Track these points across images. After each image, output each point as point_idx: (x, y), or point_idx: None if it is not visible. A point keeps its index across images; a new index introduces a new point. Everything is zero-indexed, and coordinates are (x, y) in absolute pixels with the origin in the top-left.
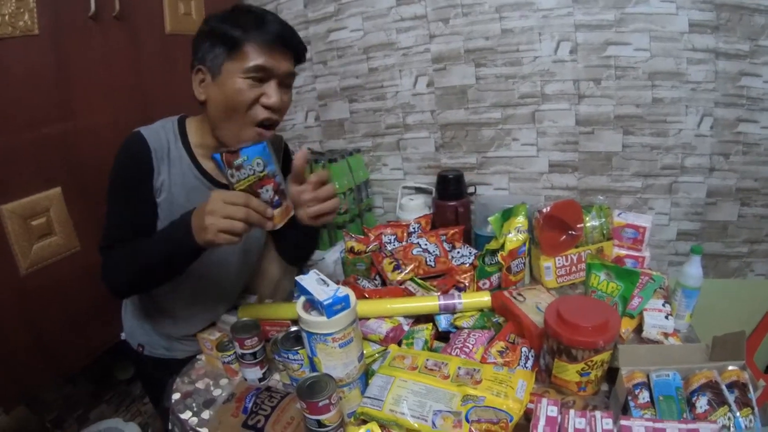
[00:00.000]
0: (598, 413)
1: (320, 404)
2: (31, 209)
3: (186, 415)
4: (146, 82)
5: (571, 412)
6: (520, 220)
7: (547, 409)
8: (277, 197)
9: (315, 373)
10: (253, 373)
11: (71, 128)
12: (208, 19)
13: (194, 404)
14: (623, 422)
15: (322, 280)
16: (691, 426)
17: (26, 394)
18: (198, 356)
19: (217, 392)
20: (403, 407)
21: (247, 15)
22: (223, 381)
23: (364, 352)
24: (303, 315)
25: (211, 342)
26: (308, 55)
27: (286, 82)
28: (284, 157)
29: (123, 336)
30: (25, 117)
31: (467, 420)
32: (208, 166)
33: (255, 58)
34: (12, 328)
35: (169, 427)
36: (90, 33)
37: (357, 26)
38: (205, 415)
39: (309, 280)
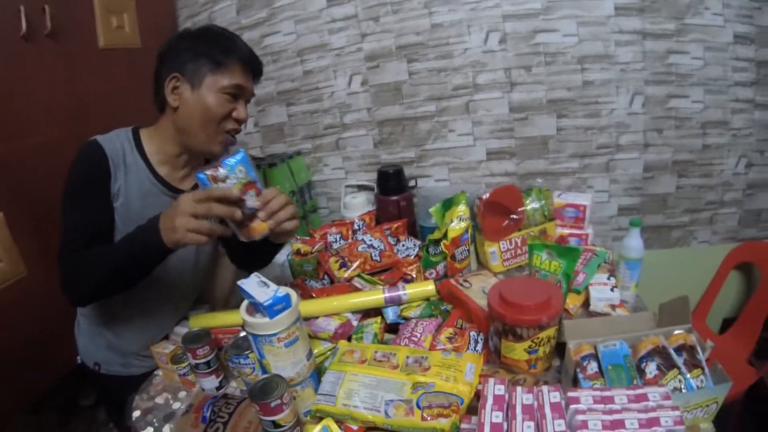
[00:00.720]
0: (545, 388)
1: (272, 405)
2: None
3: (147, 431)
4: (84, 98)
5: (519, 389)
6: (462, 209)
7: (494, 389)
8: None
9: (265, 375)
10: (210, 383)
11: (9, 150)
12: (186, 34)
13: (155, 420)
14: (571, 394)
15: (263, 282)
16: (639, 391)
17: None
18: (155, 372)
19: (176, 405)
20: (356, 400)
21: (227, 37)
22: (182, 393)
23: (315, 351)
24: (246, 318)
25: (165, 355)
26: None
27: (248, 100)
28: None
29: (79, 358)
30: None
31: (419, 407)
32: (164, 172)
33: (235, 77)
34: None
35: None
36: (23, 53)
37: (290, 30)
38: (166, 429)
39: (250, 284)
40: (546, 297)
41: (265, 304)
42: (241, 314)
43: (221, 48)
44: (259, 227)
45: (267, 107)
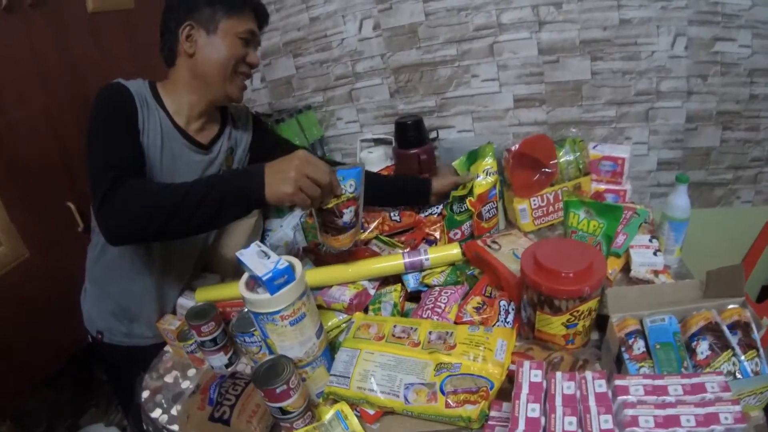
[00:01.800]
0: (588, 374)
1: (278, 390)
2: None
3: (156, 414)
4: (76, 65)
5: (558, 375)
6: (488, 162)
7: (531, 374)
8: (354, 219)
9: (271, 357)
10: (218, 360)
11: (3, 124)
12: None
13: (163, 400)
14: (618, 382)
15: (263, 252)
16: (695, 380)
17: (8, 409)
18: (166, 347)
19: (185, 384)
20: (372, 383)
21: None
22: (191, 371)
23: (330, 323)
24: (246, 294)
25: (172, 332)
26: None
27: (257, 47)
28: (255, 126)
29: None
30: None
31: (442, 392)
32: (180, 123)
33: (249, 23)
34: None
35: (144, 428)
36: (7, 25)
37: None
38: (175, 410)
39: (249, 254)
40: (587, 263)
41: (265, 278)
42: (239, 290)
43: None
44: (344, 241)
45: (273, 60)
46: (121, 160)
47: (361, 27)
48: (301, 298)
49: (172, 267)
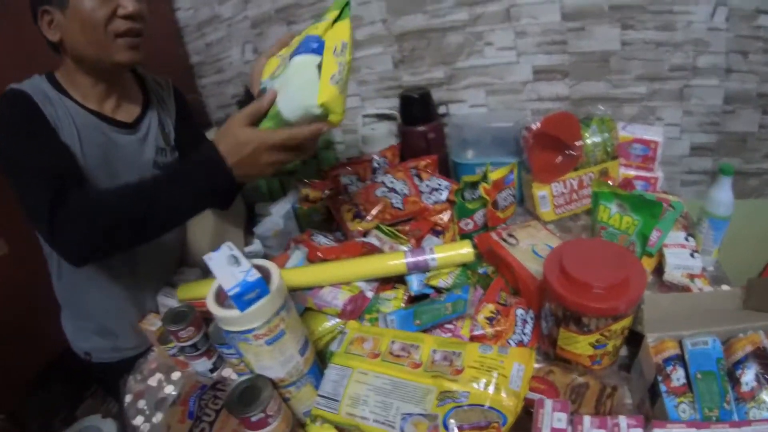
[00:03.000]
0: (622, 421)
1: (253, 419)
2: None
3: (138, 421)
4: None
5: (586, 421)
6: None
7: (553, 418)
8: None
9: (247, 376)
10: (202, 365)
11: None
12: None
13: (146, 406)
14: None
15: (234, 257)
16: (745, 429)
17: (1, 408)
18: (152, 347)
19: (168, 389)
20: (364, 410)
21: None
22: (176, 375)
23: (320, 328)
24: (213, 309)
25: (153, 333)
26: None
27: None
28: (176, 101)
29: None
30: None
31: (445, 427)
32: (93, 107)
33: None
34: None
35: None
36: None
37: None
38: (157, 418)
39: (218, 259)
40: (623, 275)
41: (231, 293)
42: (207, 302)
43: None
44: None
45: (265, 29)
46: (51, 174)
47: None
48: (279, 313)
49: (142, 271)
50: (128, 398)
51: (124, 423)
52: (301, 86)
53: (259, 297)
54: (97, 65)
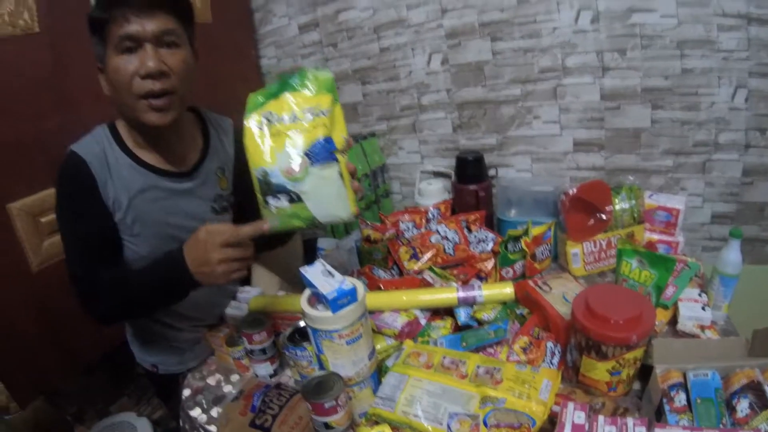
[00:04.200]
0: (629, 420)
1: (327, 406)
2: (40, 206)
3: (195, 413)
4: None
5: (600, 418)
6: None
7: (574, 415)
8: None
9: (322, 372)
10: (264, 369)
11: (74, 122)
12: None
13: (204, 401)
14: (658, 430)
15: (328, 271)
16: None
17: (43, 388)
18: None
19: (227, 388)
20: (417, 409)
21: None
22: (234, 377)
23: (378, 347)
24: (307, 310)
25: (220, 338)
26: (318, 38)
27: (167, 41)
28: (237, 143)
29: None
30: (28, 113)
31: (485, 424)
32: (151, 159)
33: (118, 30)
34: (26, 323)
35: (180, 424)
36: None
37: (366, 5)
38: (214, 412)
39: (314, 272)
40: (637, 312)
41: (329, 296)
42: (301, 305)
43: (98, 10)
44: None
45: (342, 86)
46: (82, 248)
47: (429, 60)
48: (360, 319)
49: (203, 300)
50: (186, 392)
51: (178, 416)
52: (332, 198)
53: (349, 303)
54: (135, 124)
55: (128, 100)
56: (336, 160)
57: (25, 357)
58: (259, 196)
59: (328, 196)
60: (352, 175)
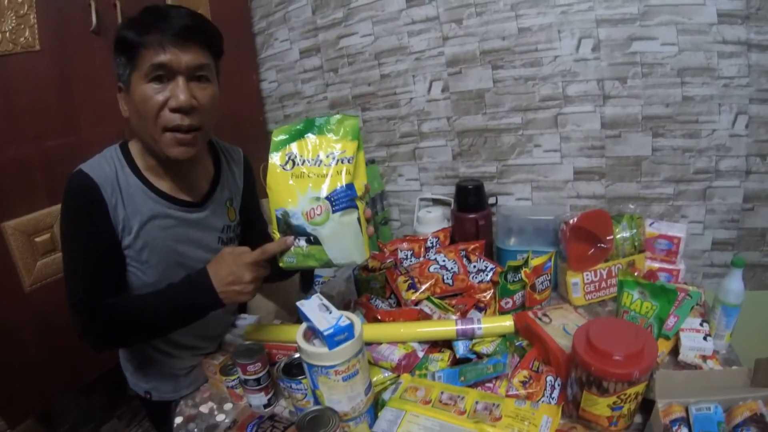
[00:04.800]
0: None
1: None
2: (35, 226)
3: None
4: None
5: None
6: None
7: None
8: None
9: (317, 407)
10: (258, 399)
11: (75, 142)
12: (118, 27)
13: (196, 429)
14: None
15: (324, 306)
16: None
17: (36, 407)
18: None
19: (220, 417)
20: None
21: (148, 14)
22: (228, 405)
23: (374, 379)
24: (303, 345)
25: (214, 366)
26: (319, 63)
27: (198, 76)
28: (245, 174)
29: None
30: (29, 131)
31: None
32: (164, 186)
33: (152, 57)
34: (19, 343)
35: None
36: (92, 46)
37: (367, 31)
38: None
39: (310, 306)
40: (639, 347)
41: (325, 333)
42: (297, 339)
43: (133, 31)
44: None
45: (341, 111)
46: (84, 271)
47: (430, 88)
48: (357, 355)
49: (202, 328)
50: (178, 419)
51: None
52: (350, 244)
53: (346, 339)
54: (153, 151)
55: (153, 130)
56: (356, 207)
57: (18, 377)
58: (277, 234)
59: (346, 242)
60: (368, 221)
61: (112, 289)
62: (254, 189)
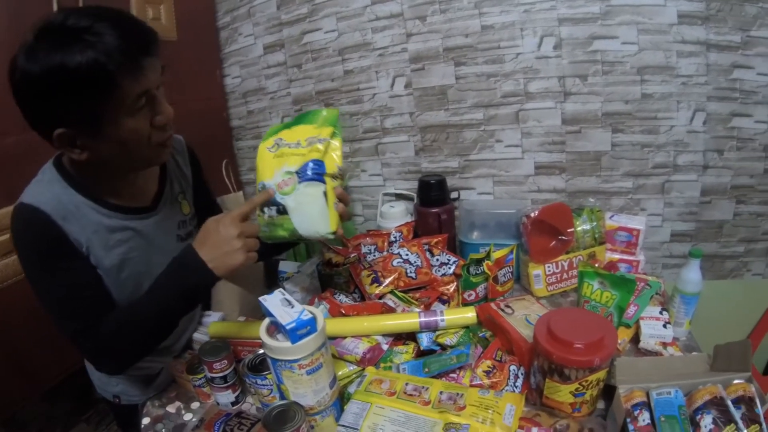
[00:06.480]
0: None
1: None
2: None
3: None
4: None
5: None
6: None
7: None
8: None
9: (283, 402)
10: (225, 397)
11: (34, 139)
12: (35, 57)
13: (164, 429)
14: None
15: (287, 300)
16: None
17: (0, 414)
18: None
19: (188, 416)
20: None
21: (101, 33)
22: (195, 404)
23: (340, 373)
24: (266, 340)
25: (181, 364)
26: (282, 59)
27: (162, 82)
28: (192, 162)
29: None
30: None
31: None
32: (111, 197)
33: (134, 87)
34: None
35: None
36: None
37: (331, 27)
38: None
39: (273, 301)
40: (599, 335)
41: (288, 327)
42: (260, 334)
43: (104, 58)
44: None
45: (305, 107)
46: (73, 307)
47: (393, 84)
48: (320, 349)
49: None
50: (146, 420)
51: None
52: (314, 214)
53: (308, 333)
54: (127, 169)
55: (147, 153)
56: (323, 181)
57: None
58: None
59: (310, 212)
60: (341, 200)
61: (105, 306)
62: (202, 174)
